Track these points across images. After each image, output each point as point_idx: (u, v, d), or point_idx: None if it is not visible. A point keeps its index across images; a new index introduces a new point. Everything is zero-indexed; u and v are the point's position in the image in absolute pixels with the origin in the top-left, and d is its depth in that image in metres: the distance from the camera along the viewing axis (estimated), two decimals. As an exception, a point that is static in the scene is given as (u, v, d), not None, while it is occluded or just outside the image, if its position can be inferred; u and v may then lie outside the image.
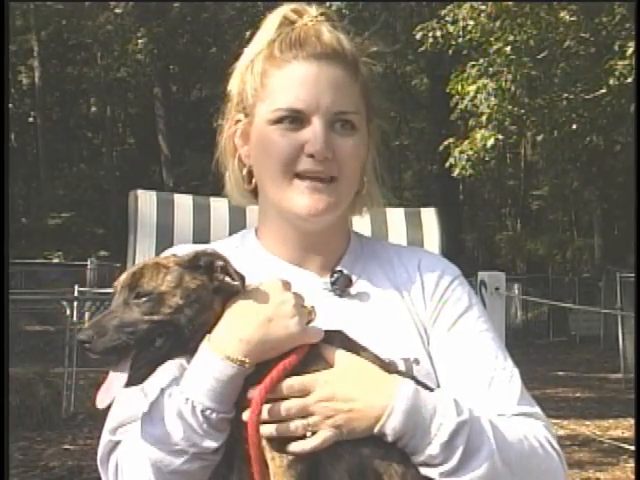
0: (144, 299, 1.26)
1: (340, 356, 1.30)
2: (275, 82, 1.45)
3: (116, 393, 1.25)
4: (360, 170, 1.50)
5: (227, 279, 1.31)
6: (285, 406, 1.26)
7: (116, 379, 1.25)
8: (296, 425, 1.25)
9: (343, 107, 1.43)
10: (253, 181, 1.54)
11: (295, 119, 1.42)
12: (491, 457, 1.26)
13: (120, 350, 1.24)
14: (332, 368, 1.29)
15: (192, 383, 1.27)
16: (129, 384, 1.26)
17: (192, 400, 1.25)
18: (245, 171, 1.53)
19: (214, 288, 1.31)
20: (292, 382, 1.26)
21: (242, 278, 1.31)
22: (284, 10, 1.50)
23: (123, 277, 1.30)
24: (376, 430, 1.24)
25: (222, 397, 1.26)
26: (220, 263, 1.31)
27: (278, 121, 1.43)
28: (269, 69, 1.46)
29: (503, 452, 1.28)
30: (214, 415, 1.25)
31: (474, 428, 1.27)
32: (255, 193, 1.56)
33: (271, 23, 1.50)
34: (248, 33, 1.57)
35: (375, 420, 1.24)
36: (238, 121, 1.52)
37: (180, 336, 1.28)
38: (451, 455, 1.24)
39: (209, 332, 1.29)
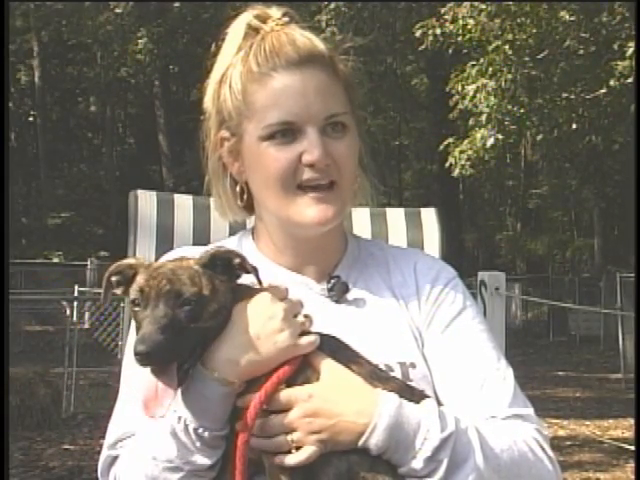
0: (188, 307, 1.23)
1: (326, 367, 1.30)
2: (260, 98, 1.42)
3: (169, 402, 1.22)
4: (356, 168, 1.50)
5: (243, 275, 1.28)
6: (270, 423, 1.26)
7: (164, 388, 1.22)
8: (281, 442, 1.26)
9: (333, 110, 1.43)
10: (245, 197, 1.52)
11: (287, 132, 1.41)
12: (478, 468, 1.27)
13: (174, 360, 1.22)
14: (318, 376, 1.29)
15: (184, 402, 1.27)
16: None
17: (185, 419, 1.26)
18: (238, 188, 1.51)
19: (232, 289, 1.30)
20: (277, 397, 1.27)
21: (255, 269, 1.30)
22: (247, 17, 1.47)
23: (153, 282, 1.24)
24: (359, 445, 1.25)
25: (214, 416, 1.26)
26: (237, 260, 1.29)
27: (270, 137, 1.41)
28: (250, 86, 1.42)
29: (491, 461, 1.29)
30: (207, 433, 1.26)
31: (460, 440, 1.27)
32: (247, 208, 1.54)
33: (236, 33, 1.47)
34: (213, 46, 1.50)
35: (358, 436, 1.25)
36: (223, 139, 1.48)
37: (208, 341, 1.27)
38: (436, 469, 1.25)
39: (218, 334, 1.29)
